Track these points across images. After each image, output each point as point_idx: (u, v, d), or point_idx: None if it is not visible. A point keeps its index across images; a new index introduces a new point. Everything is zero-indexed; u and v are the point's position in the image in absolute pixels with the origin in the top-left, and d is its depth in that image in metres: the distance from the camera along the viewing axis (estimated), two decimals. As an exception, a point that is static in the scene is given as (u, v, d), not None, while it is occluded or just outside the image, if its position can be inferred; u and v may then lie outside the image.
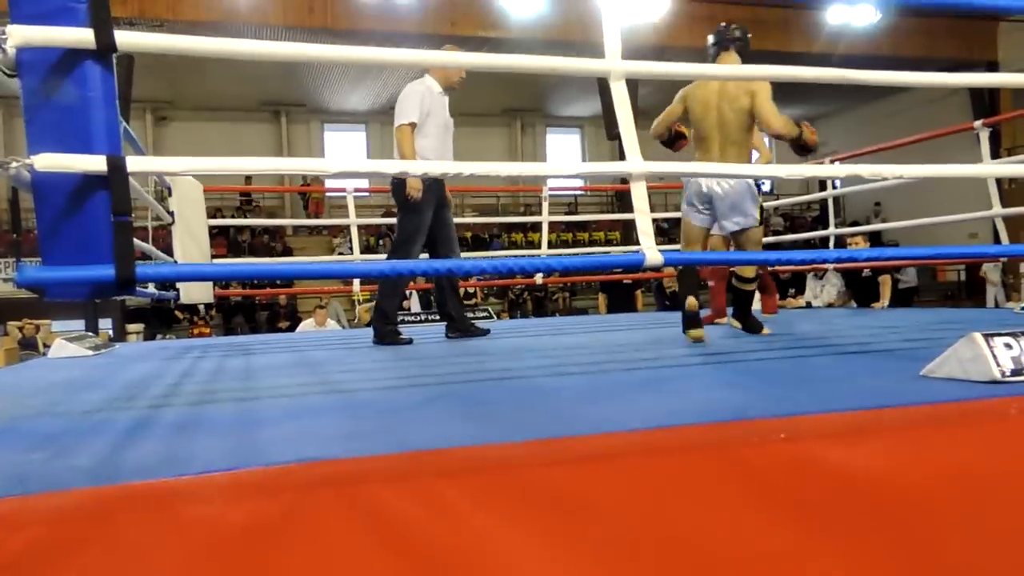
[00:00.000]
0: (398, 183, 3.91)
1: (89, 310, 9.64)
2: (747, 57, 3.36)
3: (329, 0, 10.64)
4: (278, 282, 10.68)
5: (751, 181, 3.27)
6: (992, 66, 13.43)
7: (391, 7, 10.35)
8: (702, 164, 2.70)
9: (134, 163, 1.60)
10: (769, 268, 5.71)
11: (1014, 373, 1.62)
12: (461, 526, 1.18)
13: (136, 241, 2.81)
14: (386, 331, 3.90)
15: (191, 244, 4.74)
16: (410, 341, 3.89)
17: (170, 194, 4.85)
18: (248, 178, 11.81)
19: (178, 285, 4.84)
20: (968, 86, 3.58)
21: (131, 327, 11.48)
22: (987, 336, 1.68)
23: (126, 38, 1.62)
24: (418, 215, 3.91)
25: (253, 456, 1.24)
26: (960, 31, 13.03)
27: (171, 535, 1.07)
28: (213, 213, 12.07)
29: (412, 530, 1.16)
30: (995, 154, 11.84)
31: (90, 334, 4.85)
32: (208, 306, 11.86)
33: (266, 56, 1.93)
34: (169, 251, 4.86)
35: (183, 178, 4.70)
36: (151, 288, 4.51)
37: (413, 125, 3.86)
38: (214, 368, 3.04)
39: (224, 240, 13.59)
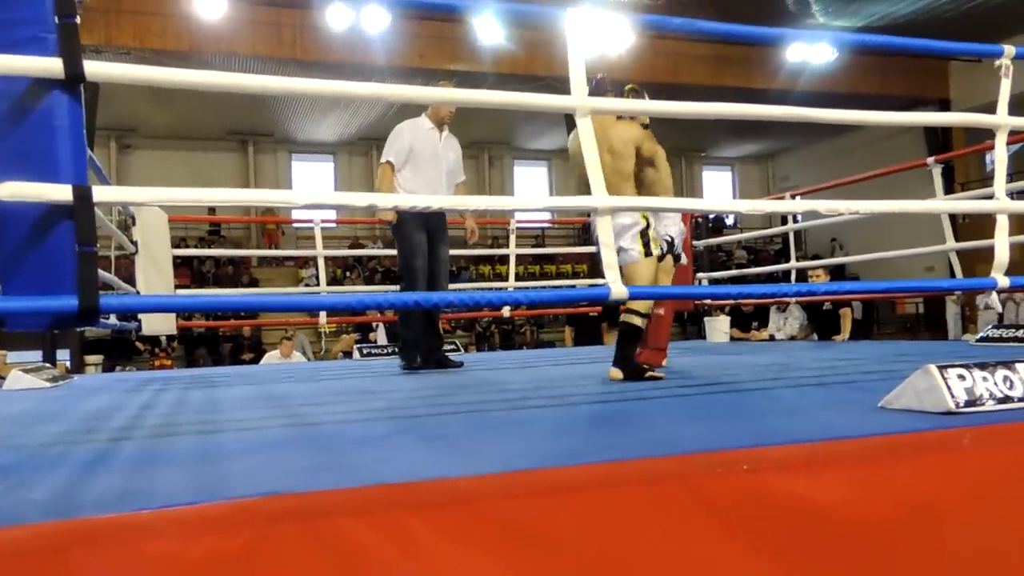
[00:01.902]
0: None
1: (47, 341, 9.41)
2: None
3: (298, 31, 10.66)
4: (242, 313, 10.54)
5: (634, 218, 3.11)
6: (944, 103, 13.88)
7: (360, 39, 10.39)
8: (666, 200, 2.74)
9: (100, 193, 1.59)
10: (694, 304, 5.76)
11: (968, 404, 1.67)
12: (426, 559, 1.18)
13: (98, 271, 2.76)
14: (410, 356, 4.20)
15: (154, 274, 4.68)
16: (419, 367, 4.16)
17: (134, 223, 4.79)
18: (212, 209, 11.68)
19: (140, 316, 4.76)
20: (918, 124, 3.71)
21: (90, 359, 11.20)
22: (942, 368, 1.72)
23: (95, 68, 1.62)
24: (405, 240, 4.13)
25: (215, 490, 1.23)
26: (913, 69, 13.47)
27: (130, 571, 1.05)
28: (177, 243, 11.92)
29: (377, 563, 1.16)
30: (949, 189, 12.19)
31: (47, 365, 4.74)
32: (170, 337, 11.64)
33: (234, 88, 1.94)
34: (131, 281, 4.79)
35: (148, 207, 4.65)
36: (112, 319, 4.43)
37: (391, 164, 4.13)
38: (176, 401, 2.99)
39: (188, 270, 13.39)
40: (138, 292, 4.54)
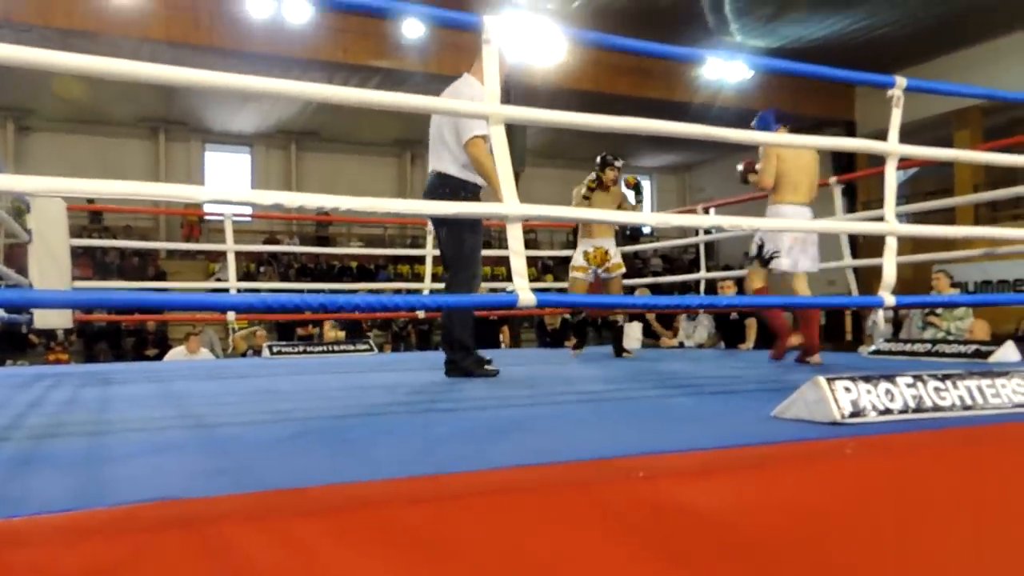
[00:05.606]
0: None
1: (-71, 332, 8.84)
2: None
3: (216, 17, 10.32)
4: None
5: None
6: (850, 125, 14.59)
7: (281, 30, 10.15)
8: (574, 211, 2.79)
9: (-19, 180, 1.51)
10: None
11: (852, 415, 1.75)
12: (318, 566, 1.16)
13: (-17, 261, 2.61)
14: (469, 362, 3.63)
15: (50, 265, 4.45)
16: (496, 373, 3.62)
17: (29, 210, 4.54)
18: (90, 199, 11.15)
19: (32, 309, 4.52)
20: (813, 147, 3.87)
21: (-22, 351, 10.59)
22: (830, 380, 1.80)
23: (-21, 49, 1.53)
24: (476, 233, 3.69)
25: (97, 496, 1.18)
26: (822, 91, 14.10)
27: (-4, 582, 0.99)
28: (78, 232, 11.36)
29: (267, 572, 1.13)
30: (852, 207, 12.68)
31: (-73, 358, 4.45)
32: (68, 331, 11.09)
33: (139, 78, 1.86)
34: (25, 271, 4.54)
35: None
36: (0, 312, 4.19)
37: (485, 138, 3.44)
38: (66, 399, 2.85)
39: (90, 261, 12.79)
40: (31, 284, 4.31)
